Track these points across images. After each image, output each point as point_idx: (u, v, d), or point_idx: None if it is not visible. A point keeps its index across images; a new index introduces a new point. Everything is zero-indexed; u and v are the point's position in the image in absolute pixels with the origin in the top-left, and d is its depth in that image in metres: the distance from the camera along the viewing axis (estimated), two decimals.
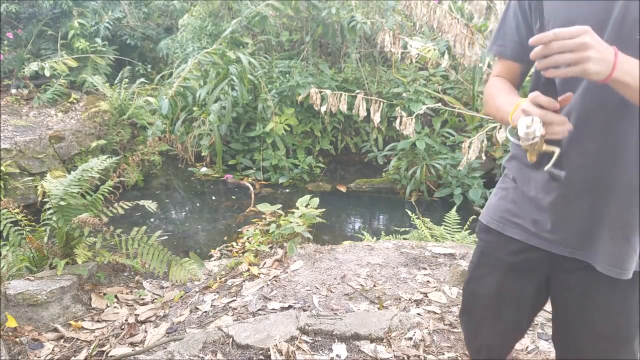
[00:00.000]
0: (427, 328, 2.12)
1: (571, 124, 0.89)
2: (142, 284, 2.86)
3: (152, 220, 4.72)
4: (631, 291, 1.03)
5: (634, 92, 0.84)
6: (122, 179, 3.64)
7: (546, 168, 0.91)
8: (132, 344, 2.20)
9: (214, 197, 5.40)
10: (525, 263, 1.14)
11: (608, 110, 0.94)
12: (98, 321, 2.41)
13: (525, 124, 0.88)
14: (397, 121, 4.26)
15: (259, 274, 2.69)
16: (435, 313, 2.28)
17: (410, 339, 2.03)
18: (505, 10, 1.13)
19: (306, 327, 2.04)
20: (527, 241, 1.11)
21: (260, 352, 1.90)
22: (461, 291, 2.45)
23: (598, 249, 1.02)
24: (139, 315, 2.46)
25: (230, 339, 1.97)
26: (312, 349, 1.94)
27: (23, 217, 2.77)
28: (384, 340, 2.00)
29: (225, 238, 4.19)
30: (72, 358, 2.10)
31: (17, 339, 2.13)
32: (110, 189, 2.97)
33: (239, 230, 3.86)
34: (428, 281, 2.59)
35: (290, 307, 2.32)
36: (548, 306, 1.22)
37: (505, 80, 1.15)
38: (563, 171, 0.90)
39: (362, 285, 2.53)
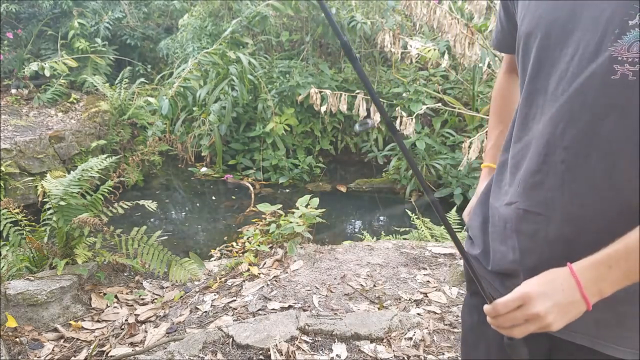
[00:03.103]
0: (427, 328, 2.12)
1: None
2: (142, 284, 2.86)
3: (152, 220, 4.72)
4: None
5: (630, 281, 0.66)
6: (122, 179, 3.64)
7: None
8: (132, 344, 2.19)
9: (214, 197, 5.40)
10: None
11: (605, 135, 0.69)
12: (98, 321, 2.41)
13: None
14: (397, 121, 4.26)
15: (259, 274, 2.69)
16: (435, 313, 2.28)
17: (410, 339, 2.03)
18: None
19: (306, 327, 2.04)
20: None
21: (260, 352, 1.90)
22: (461, 291, 2.46)
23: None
24: (139, 315, 2.46)
25: (230, 339, 1.97)
26: (312, 349, 1.94)
27: (23, 217, 2.77)
28: (384, 340, 2.00)
29: (225, 238, 4.19)
30: (72, 358, 2.10)
31: (17, 339, 2.13)
32: (110, 189, 2.97)
33: (239, 230, 3.87)
34: (428, 281, 2.59)
35: (290, 307, 2.32)
36: None
37: (504, 88, 1.06)
38: None
39: (362, 285, 2.53)
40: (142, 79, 6.72)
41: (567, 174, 0.72)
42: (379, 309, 2.30)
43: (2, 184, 4.28)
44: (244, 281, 2.63)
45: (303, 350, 1.92)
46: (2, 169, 4.33)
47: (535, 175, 0.76)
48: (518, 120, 0.82)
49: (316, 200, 3.12)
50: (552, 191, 0.74)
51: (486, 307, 0.73)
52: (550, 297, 0.67)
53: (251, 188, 5.35)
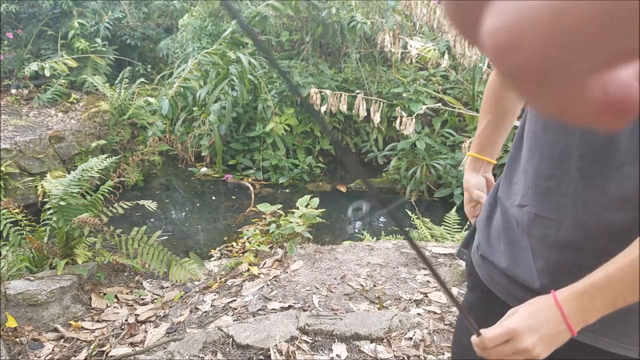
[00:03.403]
0: (427, 328, 2.12)
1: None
2: (142, 284, 2.86)
3: (152, 220, 4.72)
4: None
5: (616, 307, 0.66)
6: (122, 179, 3.64)
7: None
8: (132, 344, 2.19)
9: (214, 197, 5.40)
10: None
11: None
12: (98, 321, 2.41)
13: None
14: (397, 121, 4.27)
15: (259, 274, 2.69)
16: (435, 313, 2.28)
17: (410, 339, 2.03)
18: None
19: (306, 327, 2.04)
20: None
21: (260, 352, 1.90)
22: (461, 291, 2.46)
23: None
24: (139, 315, 2.46)
25: (230, 339, 1.97)
26: (312, 349, 1.94)
27: (23, 217, 2.77)
28: (384, 340, 2.00)
29: (225, 238, 4.19)
30: (72, 358, 2.10)
31: (17, 339, 2.13)
32: (110, 189, 2.97)
33: (239, 230, 3.87)
34: (428, 281, 2.59)
35: (290, 307, 2.32)
36: None
37: (498, 82, 1.03)
38: None
39: (362, 285, 2.53)
40: (142, 79, 6.72)
41: (581, 181, 0.72)
42: (379, 309, 2.30)
43: (2, 184, 4.28)
44: (244, 281, 2.63)
45: (303, 350, 1.92)
46: (2, 169, 4.33)
47: (548, 181, 0.77)
48: (524, 120, 0.82)
49: (316, 200, 3.12)
50: (565, 197, 0.74)
51: (474, 340, 0.74)
52: (536, 330, 0.69)
53: (251, 188, 5.35)
